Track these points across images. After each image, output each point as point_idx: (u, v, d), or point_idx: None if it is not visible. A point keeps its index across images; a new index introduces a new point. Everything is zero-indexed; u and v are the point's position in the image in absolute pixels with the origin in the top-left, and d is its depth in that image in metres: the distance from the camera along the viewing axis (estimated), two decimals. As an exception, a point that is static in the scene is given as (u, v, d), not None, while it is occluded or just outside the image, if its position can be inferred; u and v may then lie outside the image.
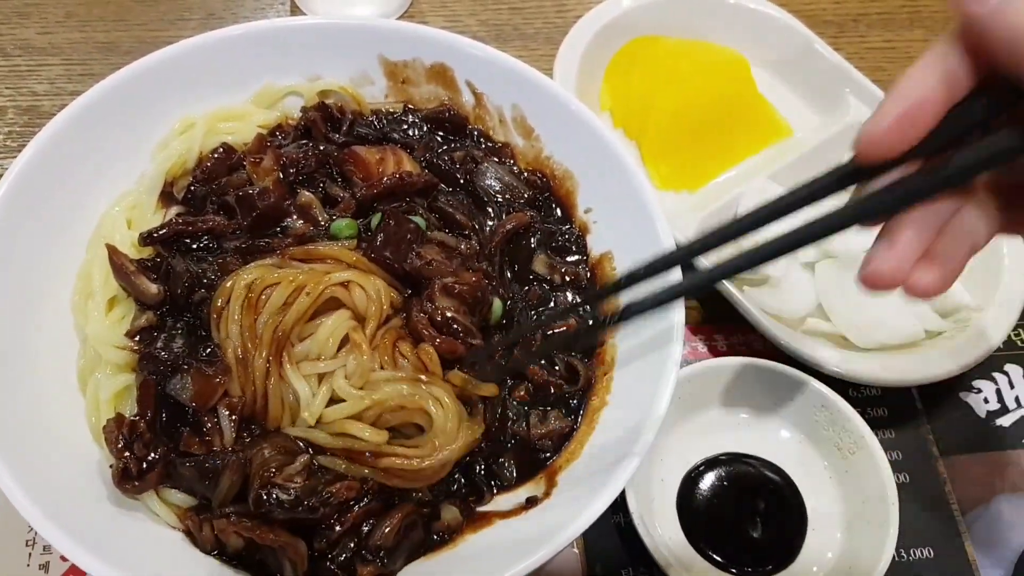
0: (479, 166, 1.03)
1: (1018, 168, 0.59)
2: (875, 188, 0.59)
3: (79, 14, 1.41)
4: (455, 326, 0.85)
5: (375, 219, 0.91)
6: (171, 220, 0.93)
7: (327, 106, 1.05)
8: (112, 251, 0.87)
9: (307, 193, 0.93)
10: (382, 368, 0.83)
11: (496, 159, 1.06)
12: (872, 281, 0.60)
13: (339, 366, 0.82)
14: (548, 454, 0.89)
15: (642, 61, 1.31)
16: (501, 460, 0.88)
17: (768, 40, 1.37)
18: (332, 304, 0.84)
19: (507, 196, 1.03)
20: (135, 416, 0.82)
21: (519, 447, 0.89)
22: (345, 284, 0.84)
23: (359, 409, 0.80)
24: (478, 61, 1.04)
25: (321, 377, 0.82)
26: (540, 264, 0.99)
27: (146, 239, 0.91)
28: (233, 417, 0.81)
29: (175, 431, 0.82)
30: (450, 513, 0.84)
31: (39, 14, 1.40)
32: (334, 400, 0.82)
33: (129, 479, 0.79)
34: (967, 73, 0.54)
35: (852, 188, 0.62)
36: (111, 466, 0.80)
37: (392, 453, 0.80)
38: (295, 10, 1.43)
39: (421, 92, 1.09)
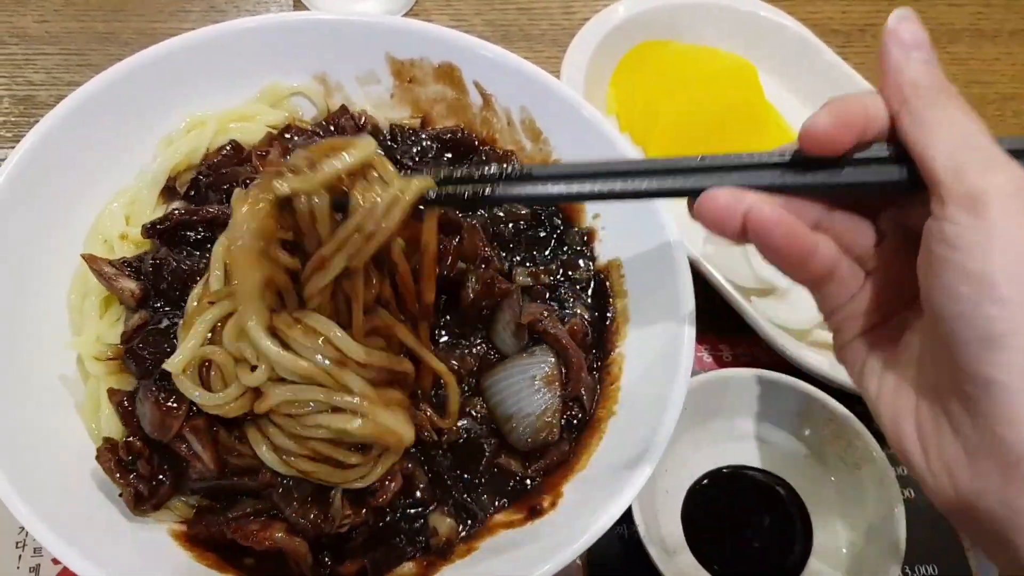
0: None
1: None
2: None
3: (77, 3, 1.39)
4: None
5: None
6: (173, 211, 0.90)
7: (350, 114, 1.03)
8: (89, 259, 0.85)
9: None
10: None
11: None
12: (707, 207, 0.63)
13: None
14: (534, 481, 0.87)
15: (649, 66, 1.30)
16: (482, 488, 0.86)
17: (777, 48, 1.36)
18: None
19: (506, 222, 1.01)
20: (128, 437, 0.80)
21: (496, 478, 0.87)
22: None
23: None
24: (487, 62, 1.03)
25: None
26: (521, 275, 0.97)
27: (149, 230, 0.88)
28: (203, 439, 0.77)
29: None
30: (446, 526, 0.82)
31: (36, 2, 1.38)
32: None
33: (143, 502, 0.77)
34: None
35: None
36: (120, 495, 0.78)
37: None
38: (297, 5, 1.41)
39: (428, 92, 1.07)
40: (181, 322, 0.79)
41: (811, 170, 0.63)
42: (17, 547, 0.92)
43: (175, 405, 0.77)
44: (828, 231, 0.66)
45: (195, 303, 0.79)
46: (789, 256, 0.64)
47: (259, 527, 0.77)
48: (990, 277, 0.53)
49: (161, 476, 0.79)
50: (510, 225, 1.00)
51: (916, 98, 0.60)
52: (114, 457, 0.77)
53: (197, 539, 0.80)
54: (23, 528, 0.89)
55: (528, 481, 0.87)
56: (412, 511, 0.83)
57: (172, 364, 0.75)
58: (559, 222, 1.03)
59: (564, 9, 1.47)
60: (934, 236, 0.57)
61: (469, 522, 0.84)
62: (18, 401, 0.79)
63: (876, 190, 0.64)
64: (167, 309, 0.85)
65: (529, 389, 0.86)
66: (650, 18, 1.33)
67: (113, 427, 0.82)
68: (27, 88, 1.29)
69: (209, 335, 0.76)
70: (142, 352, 0.81)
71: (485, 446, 0.85)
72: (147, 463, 0.78)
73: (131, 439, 0.79)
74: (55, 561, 0.91)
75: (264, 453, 0.77)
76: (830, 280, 0.67)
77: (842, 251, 0.66)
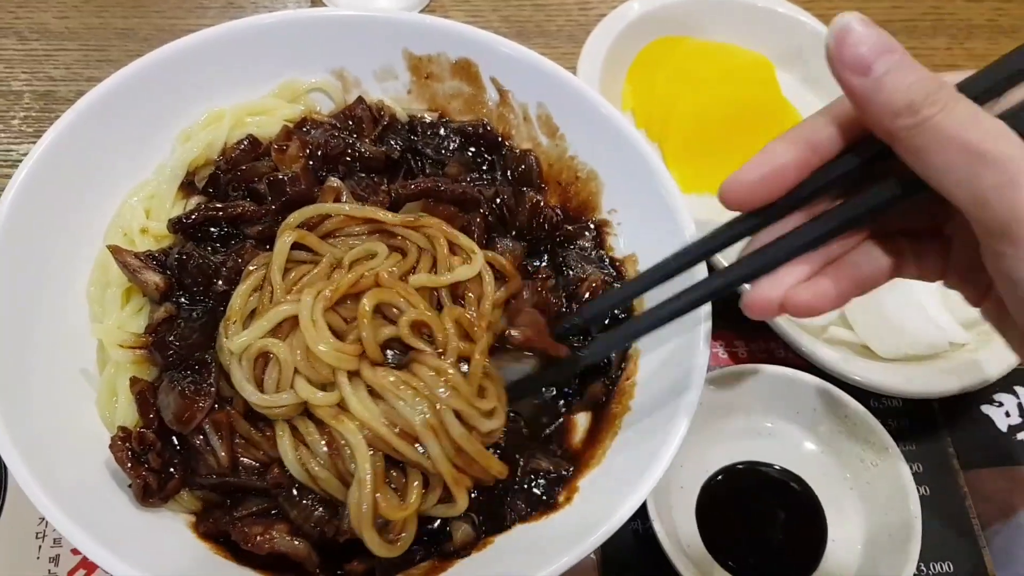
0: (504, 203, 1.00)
1: (908, 214, 0.67)
2: (762, 243, 0.67)
3: (97, -1, 1.40)
4: None
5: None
6: (201, 206, 0.91)
7: (367, 104, 1.03)
8: (114, 251, 0.86)
9: (337, 180, 0.91)
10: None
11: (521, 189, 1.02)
12: (750, 306, 0.67)
13: None
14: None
15: (666, 62, 1.30)
16: (514, 495, 0.85)
17: (794, 44, 1.35)
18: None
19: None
20: (141, 428, 0.80)
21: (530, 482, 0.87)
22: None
23: None
24: (505, 58, 1.03)
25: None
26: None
27: (175, 225, 0.89)
28: (221, 435, 0.78)
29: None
30: (462, 532, 0.81)
31: (57, -2, 1.39)
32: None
33: (151, 495, 0.78)
34: (836, 140, 0.63)
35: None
36: (130, 485, 0.78)
37: None
38: (315, 1, 1.42)
39: (445, 88, 1.07)
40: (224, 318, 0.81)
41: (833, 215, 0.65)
42: (37, 537, 0.93)
43: (200, 397, 0.78)
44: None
45: (268, 297, 0.80)
46: (839, 305, 0.67)
47: (262, 529, 0.77)
48: None
49: (171, 469, 0.79)
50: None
51: (899, 129, 0.56)
52: (127, 446, 0.78)
53: (209, 533, 0.80)
54: (43, 519, 0.91)
55: (559, 473, 0.87)
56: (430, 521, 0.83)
57: (236, 344, 0.77)
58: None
59: (580, 5, 1.48)
60: (991, 266, 0.56)
61: (492, 524, 0.84)
62: (38, 391, 0.79)
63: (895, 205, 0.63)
64: (192, 303, 0.86)
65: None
66: (666, 14, 1.33)
67: (127, 416, 0.83)
68: (47, 84, 1.30)
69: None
70: (171, 343, 0.82)
71: (519, 458, 0.86)
72: (158, 456, 0.78)
73: (144, 430, 0.79)
74: (74, 551, 0.92)
75: (286, 449, 0.77)
76: (899, 275, 0.68)
77: (907, 249, 0.67)
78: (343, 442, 0.76)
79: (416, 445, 0.75)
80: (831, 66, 0.57)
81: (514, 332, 0.81)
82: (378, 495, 0.74)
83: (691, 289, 0.74)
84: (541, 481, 0.86)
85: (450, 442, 0.76)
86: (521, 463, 0.86)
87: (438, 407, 0.75)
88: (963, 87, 0.58)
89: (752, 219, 0.68)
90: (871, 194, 0.62)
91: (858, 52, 0.55)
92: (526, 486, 0.86)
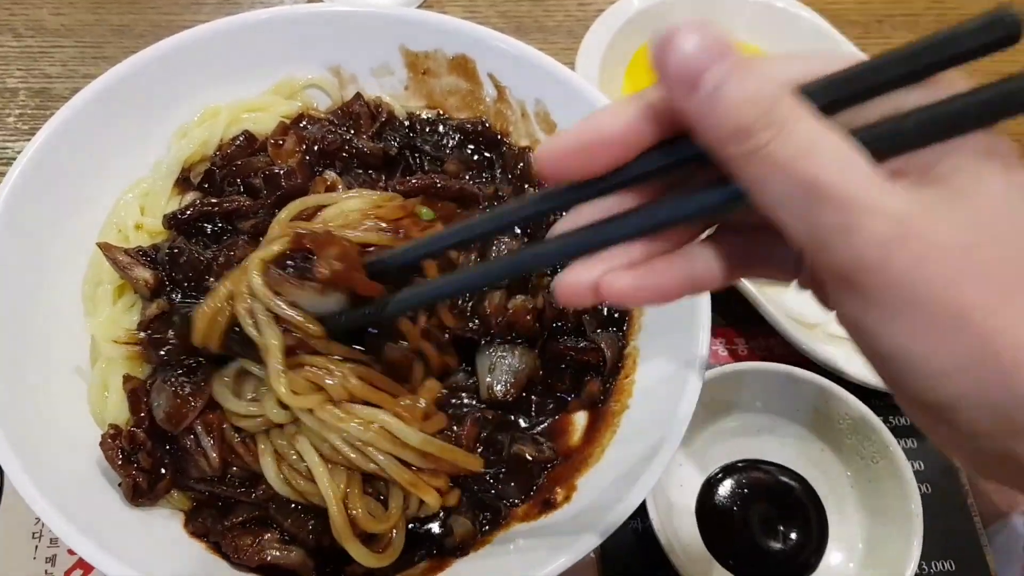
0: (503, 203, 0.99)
1: (744, 219, 0.53)
2: (576, 224, 0.54)
3: (92, -5, 1.39)
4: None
5: None
6: (196, 201, 0.91)
7: (364, 101, 1.03)
8: (104, 247, 0.86)
9: (331, 173, 0.90)
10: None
11: (520, 187, 1.02)
12: (559, 293, 0.54)
13: None
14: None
15: (665, 58, 1.29)
16: (503, 481, 0.85)
17: (793, 39, 1.35)
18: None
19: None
20: (131, 427, 0.80)
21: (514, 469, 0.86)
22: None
23: None
24: (502, 54, 1.02)
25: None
26: None
27: (171, 220, 0.89)
28: (212, 436, 0.77)
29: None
30: (462, 527, 0.81)
31: (52, -6, 1.38)
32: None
33: (141, 494, 0.77)
34: (653, 132, 0.50)
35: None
36: (120, 484, 0.78)
37: None
38: (312, -4, 1.41)
39: (442, 84, 1.07)
40: None
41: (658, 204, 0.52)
42: (33, 537, 0.92)
43: (193, 397, 0.77)
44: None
45: None
46: (666, 301, 0.54)
47: (252, 540, 0.76)
48: (903, 358, 0.44)
49: (162, 470, 0.78)
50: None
51: (728, 159, 0.45)
52: (117, 444, 0.77)
53: (199, 533, 0.80)
54: (39, 519, 0.90)
55: (546, 463, 0.86)
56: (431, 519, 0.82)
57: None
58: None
59: (579, 0, 1.47)
60: (834, 308, 0.48)
61: (490, 516, 0.83)
62: (33, 389, 0.79)
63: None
64: (185, 298, 0.85)
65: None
66: (665, 9, 1.33)
67: (118, 412, 0.82)
68: (43, 81, 1.29)
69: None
70: (166, 340, 0.81)
71: (501, 439, 0.85)
72: (148, 456, 0.77)
73: (135, 429, 0.79)
74: (71, 551, 0.91)
75: (267, 465, 0.76)
76: (746, 275, 0.56)
77: (757, 245, 0.54)
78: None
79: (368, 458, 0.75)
80: (664, 85, 0.45)
81: (319, 267, 0.70)
82: (357, 509, 0.74)
83: (495, 262, 0.66)
84: (526, 466, 0.85)
85: (410, 450, 0.75)
86: (505, 444, 0.86)
87: (386, 419, 0.74)
88: (839, 82, 0.45)
89: (573, 191, 0.55)
90: (710, 192, 0.50)
91: (684, 58, 0.43)
92: (512, 471, 0.85)
